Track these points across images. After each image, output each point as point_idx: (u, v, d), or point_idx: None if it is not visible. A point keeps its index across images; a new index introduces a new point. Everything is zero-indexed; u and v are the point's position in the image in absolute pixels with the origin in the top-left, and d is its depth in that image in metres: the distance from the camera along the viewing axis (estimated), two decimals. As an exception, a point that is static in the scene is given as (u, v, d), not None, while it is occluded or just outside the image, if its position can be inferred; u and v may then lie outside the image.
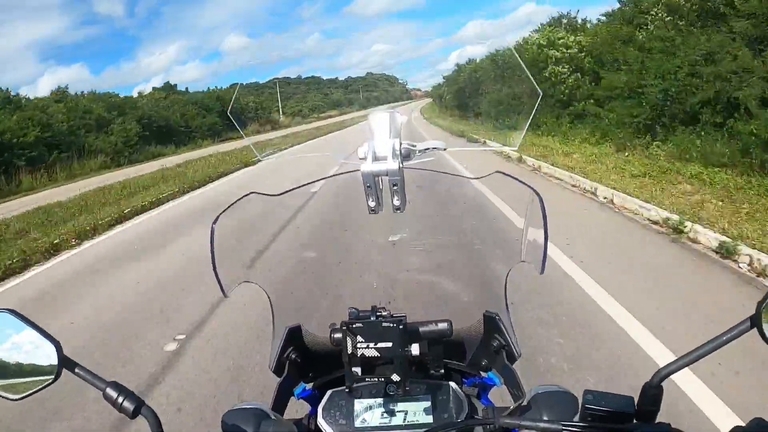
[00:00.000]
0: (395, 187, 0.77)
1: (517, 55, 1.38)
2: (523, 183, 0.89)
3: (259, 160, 1.17)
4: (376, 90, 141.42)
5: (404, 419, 0.80)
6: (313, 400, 0.92)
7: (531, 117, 1.50)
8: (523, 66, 1.22)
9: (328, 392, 0.85)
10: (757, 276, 3.78)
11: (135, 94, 40.46)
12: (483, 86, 21.65)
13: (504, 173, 0.96)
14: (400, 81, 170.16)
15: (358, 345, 0.75)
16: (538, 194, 0.84)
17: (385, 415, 0.80)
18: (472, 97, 24.26)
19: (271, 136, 29.92)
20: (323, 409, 0.83)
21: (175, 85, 51.31)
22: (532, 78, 1.25)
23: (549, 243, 0.81)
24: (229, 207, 0.90)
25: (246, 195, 0.93)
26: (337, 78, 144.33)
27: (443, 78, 42.47)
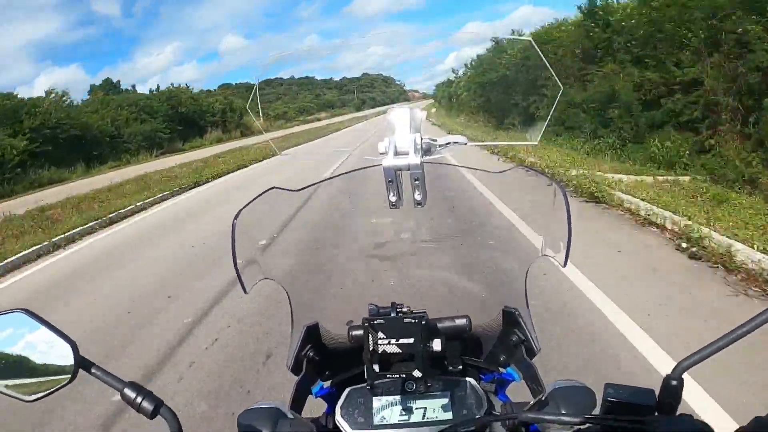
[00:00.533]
0: (416, 182, 0.77)
1: (537, 49, 1.35)
2: (546, 175, 0.88)
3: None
4: (372, 91, 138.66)
5: (423, 416, 0.79)
6: (331, 398, 0.92)
7: (552, 111, 1.48)
8: (545, 60, 1.19)
9: (347, 390, 0.85)
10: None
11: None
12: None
13: (525, 167, 0.95)
14: (397, 82, 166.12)
15: (380, 341, 0.74)
16: (561, 188, 0.83)
17: (404, 412, 0.80)
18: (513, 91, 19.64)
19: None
20: (341, 407, 0.82)
21: (118, 81, 45.23)
22: (553, 72, 1.21)
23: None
24: (250, 202, 0.89)
25: (267, 190, 0.92)
26: (331, 78, 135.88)
27: (453, 72, 39.10)
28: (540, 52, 1.33)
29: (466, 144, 0.88)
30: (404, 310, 0.79)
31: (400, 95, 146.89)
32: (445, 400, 0.81)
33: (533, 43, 1.39)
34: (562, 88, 1.25)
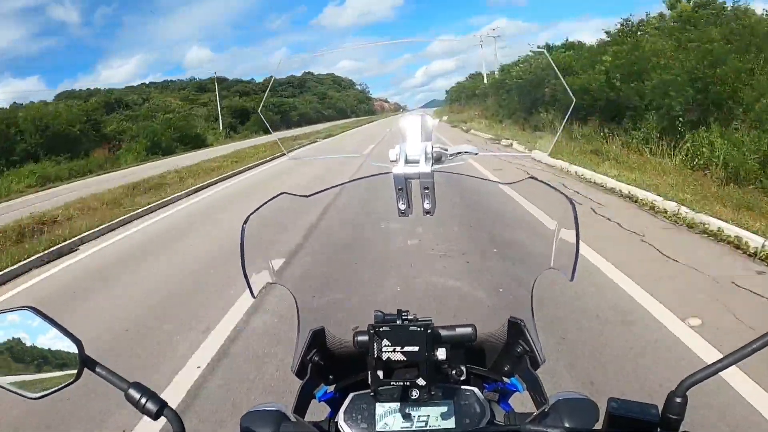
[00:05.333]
0: (426, 191, 0.77)
1: (550, 60, 1.34)
2: (557, 189, 0.88)
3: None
4: (310, 93, 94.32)
5: (426, 424, 0.79)
6: (335, 403, 0.92)
7: (563, 123, 1.47)
8: (557, 72, 1.19)
9: (350, 395, 0.84)
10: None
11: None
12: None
13: (536, 178, 0.95)
14: (357, 85, 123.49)
15: (384, 348, 0.74)
16: (571, 202, 0.83)
17: (407, 419, 0.79)
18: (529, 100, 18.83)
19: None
20: (345, 412, 0.82)
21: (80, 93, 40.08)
22: (566, 84, 1.21)
23: None
24: (260, 207, 0.90)
25: (277, 195, 0.93)
26: (252, 79, 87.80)
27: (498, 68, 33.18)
28: (553, 64, 1.33)
29: (476, 154, 0.88)
30: (410, 317, 0.78)
31: (360, 104, 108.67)
32: (449, 408, 0.80)
33: (546, 54, 1.38)
34: (574, 100, 1.25)
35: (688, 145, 9.31)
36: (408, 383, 0.74)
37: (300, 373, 0.95)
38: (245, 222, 0.87)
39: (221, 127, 49.08)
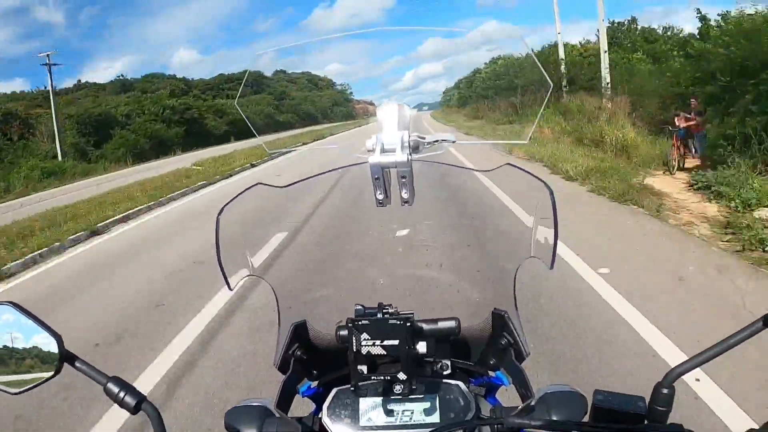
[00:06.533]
0: (404, 180, 0.76)
1: (527, 46, 1.35)
2: (534, 176, 0.87)
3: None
4: (266, 93, 72.29)
5: (410, 418, 0.78)
6: (318, 398, 0.91)
7: (542, 110, 1.48)
8: (534, 58, 1.20)
9: (333, 390, 0.84)
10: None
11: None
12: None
13: (513, 165, 0.95)
14: (338, 86, 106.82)
15: (364, 342, 0.73)
16: (549, 188, 0.82)
17: (390, 414, 0.78)
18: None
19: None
20: (328, 408, 0.81)
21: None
22: (543, 69, 1.22)
23: None
24: (234, 198, 0.88)
25: (252, 186, 0.91)
26: (201, 78, 71.79)
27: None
28: (530, 49, 1.34)
29: (454, 142, 0.87)
30: (391, 311, 0.77)
31: (333, 106, 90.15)
32: (434, 403, 0.80)
33: (523, 38, 1.39)
34: (552, 85, 1.26)
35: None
36: (389, 377, 0.74)
37: (282, 368, 0.93)
38: (219, 213, 0.85)
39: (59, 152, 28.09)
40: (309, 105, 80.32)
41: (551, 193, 0.81)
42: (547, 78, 1.28)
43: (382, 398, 0.79)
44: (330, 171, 1.02)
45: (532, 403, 0.74)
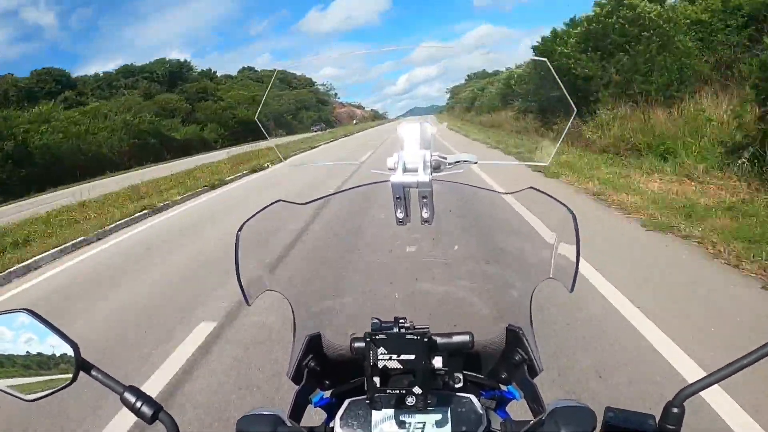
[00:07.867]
0: (425, 200, 0.77)
1: (552, 70, 1.34)
2: (557, 200, 0.88)
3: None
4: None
5: (422, 431, 0.79)
6: (330, 408, 0.91)
7: (564, 133, 1.47)
8: (558, 81, 1.19)
9: (346, 401, 0.84)
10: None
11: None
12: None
13: (537, 189, 0.94)
14: (320, 85, 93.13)
15: (381, 356, 0.74)
16: (572, 212, 0.83)
17: (403, 425, 0.79)
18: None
19: None
20: (341, 419, 0.81)
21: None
22: (566, 93, 1.21)
23: None
24: (255, 214, 0.90)
25: (272, 203, 0.93)
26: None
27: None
28: (554, 72, 1.33)
29: (476, 163, 0.87)
30: (407, 325, 0.78)
31: (299, 111, 74.27)
32: (446, 416, 0.80)
33: (548, 63, 1.39)
34: (575, 110, 1.25)
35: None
36: (404, 391, 0.74)
37: (296, 378, 0.94)
38: (240, 230, 0.87)
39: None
40: (249, 110, 51.26)
41: (574, 217, 0.82)
42: (571, 103, 1.27)
43: (394, 410, 0.79)
44: (351, 189, 1.03)
45: (543, 418, 0.73)
